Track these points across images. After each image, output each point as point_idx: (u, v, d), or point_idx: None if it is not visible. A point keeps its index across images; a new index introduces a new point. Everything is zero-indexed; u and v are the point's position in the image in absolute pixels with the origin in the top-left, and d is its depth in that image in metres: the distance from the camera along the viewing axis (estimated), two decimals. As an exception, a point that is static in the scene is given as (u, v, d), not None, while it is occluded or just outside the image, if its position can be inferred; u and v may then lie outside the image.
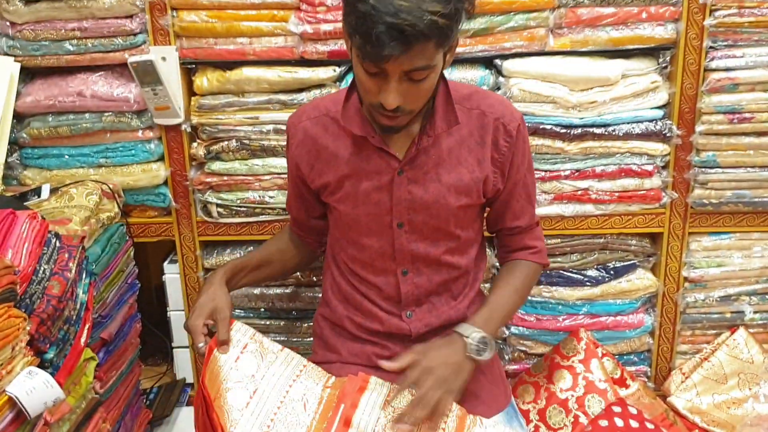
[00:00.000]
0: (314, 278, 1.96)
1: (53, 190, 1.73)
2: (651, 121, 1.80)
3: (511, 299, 1.47)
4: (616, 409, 1.66)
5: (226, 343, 1.40)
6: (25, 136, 1.84)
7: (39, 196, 1.71)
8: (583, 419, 1.70)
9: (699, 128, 1.79)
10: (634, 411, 1.66)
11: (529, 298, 1.91)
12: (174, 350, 2.07)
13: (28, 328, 1.21)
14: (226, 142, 1.83)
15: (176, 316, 2.00)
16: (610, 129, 1.79)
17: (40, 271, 1.31)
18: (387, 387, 1.43)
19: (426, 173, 1.40)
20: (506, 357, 1.98)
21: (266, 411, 1.38)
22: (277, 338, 1.99)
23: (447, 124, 1.37)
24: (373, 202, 1.41)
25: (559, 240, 1.89)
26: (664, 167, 1.86)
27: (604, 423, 1.63)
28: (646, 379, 2.00)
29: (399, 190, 1.40)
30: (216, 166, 1.86)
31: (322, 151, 1.43)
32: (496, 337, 1.43)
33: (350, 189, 1.43)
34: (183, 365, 2.09)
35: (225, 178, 1.86)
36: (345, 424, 1.38)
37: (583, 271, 1.91)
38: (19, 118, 1.83)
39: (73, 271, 1.40)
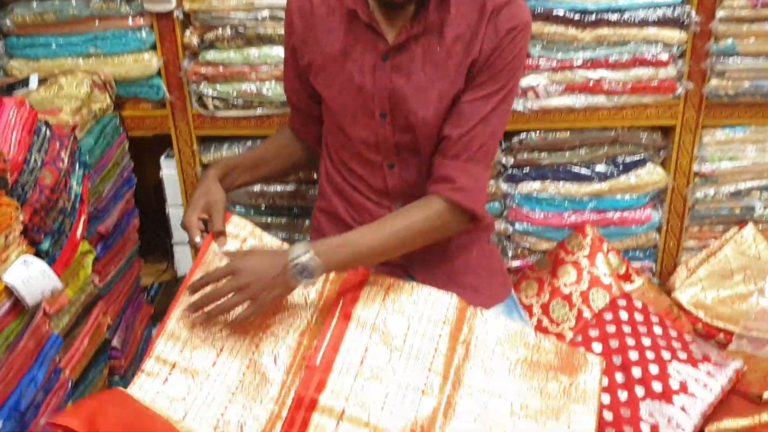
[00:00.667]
0: (315, 175, 1.92)
1: (41, 81, 1.66)
2: (669, 6, 1.70)
3: (386, 235, 1.32)
4: (621, 302, 1.65)
5: (222, 234, 1.37)
6: (9, 23, 1.74)
7: (27, 87, 1.64)
8: (586, 313, 1.70)
9: (719, 14, 1.70)
10: (638, 305, 1.65)
11: (535, 194, 1.88)
12: (174, 247, 2.04)
13: (21, 217, 1.17)
14: (220, 30, 1.74)
15: (175, 212, 1.96)
16: (625, 15, 1.70)
17: (31, 161, 1.26)
18: (388, 281, 1.41)
19: (412, 62, 1.32)
20: (509, 253, 1.96)
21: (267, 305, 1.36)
22: (278, 236, 1.96)
23: (439, 13, 1.29)
24: (355, 87, 1.35)
25: (568, 134, 1.83)
26: (680, 56, 1.78)
27: (608, 316, 1.62)
28: (651, 275, 1.99)
29: (382, 77, 1.33)
30: (210, 55, 1.77)
31: (317, 23, 1.37)
32: (345, 269, 1.36)
33: (334, 71, 1.37)
34: (183, 262, 2.06)
35: (220, 68, 1.78)
36: (344, 318, 1.36)
37: (591, 166, 1.86)
38: (1, 4, 1.74)
39: (66, 162, 1.35)
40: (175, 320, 1.35)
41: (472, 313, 1.39)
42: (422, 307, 1.37)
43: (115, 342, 1.56)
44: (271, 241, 1.42)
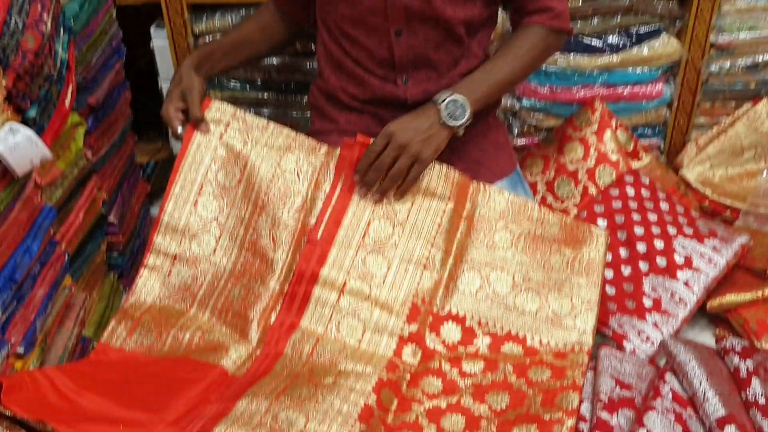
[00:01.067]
0: (313, 46, 1.83)
1: (19, -59, 1.54)
2: None
3: (509, 66, 1.34)
4: (628, 178, 1.62)
5: (202, 121, 1.33)
6: None
7: (3, -53, 1.53)
8: (592, 190, 1.66)
9: None
10: (646, 181, 1.62)
11: (543, 67, 1.80)
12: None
13: (3, 82, 1.11)
14: None
15: (167, 85, 1.88)
16: None
17: (11, 23, 1.18)
18: None
19: None
20: (515, 131, 1.90)
21: (259, 184, 1.32)
22: (275, 112, 1.90)
23: None
24: None
25: (580, 2, 1.73)
26: None
27: (614, 192, 1.59)
28: (659, 153, 1.94)
29: None
30: None
31: None
32: (483, 105, 1.33)
33: None
34: (178, 141, 2.01)
35: (210, -71, 1.67)
36: (347, 193, 1.33)
37: (603, 37, 1.77)
38: None
39: (49, 26, 1.27)
40: (169, 213, 1.34)
41: (475, 188, 1.36)
42: (425, 183, 1.33)
43: (111, 218, 1.53)
44: (255, 121, 1.37)
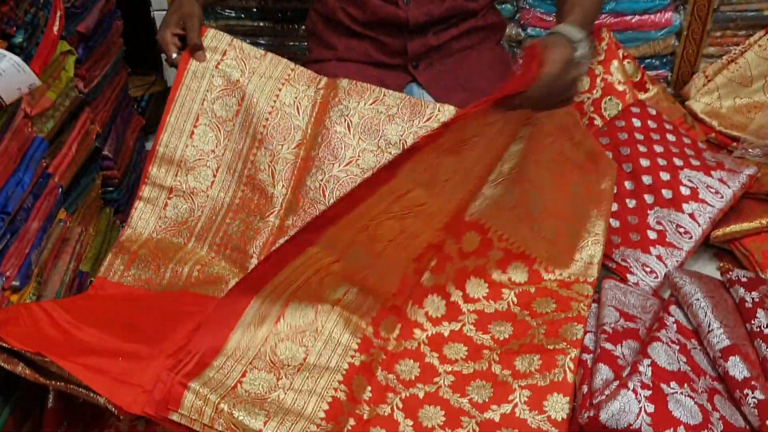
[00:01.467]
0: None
1: None
2: None
3: None
4: (635, 110, 1.58)
5: (200, 48, 1.29)
6: None
7: None
8: (598, 121, 1.63)
9: None
10: (652, 112, 1.58)
11: (549, -7, 1.75)
12: (162, 55, 1.93)
13: (-14, 6, 1.07)
14: None
15: (160, 16, 1.83)
16: None
17: (-8, -56, 1.13)
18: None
19: None
20: (519, 61, 1.85)
21: (258, 117, 1.29)
22: (271, 42, 1.85)
23: None
24: None
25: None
26: None
27: (620, 123, 1.55)
28: (667, 85, 1.90)
29: None
30: None
31: None
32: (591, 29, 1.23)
33: None
34: (172, 73, 1.95)
35: None
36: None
37: (611, -37, 1.71)
38: None
39: (32, -53, 1.21)
40: (164, 144, 1.31)
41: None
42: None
43: (106, 151, 1.50)
44: (252, 51, 1.32)
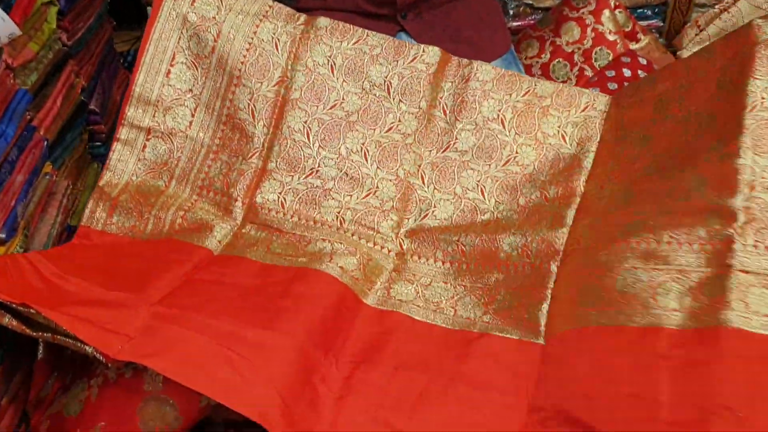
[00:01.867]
0: None
1: None
2: None
3: None
4: (625, 59, 1.57)
5: None
6: None
7: None
8: (588, 72, 1.62)
9: None
10: (643, 62, 1.57)
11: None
12: (147, 9, 1.89)
13: (-39, -47, 1.05)
14: None
15: (144, -31, 1.80)
16: None
17: None
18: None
19: None
20: (510, 12, 1.83)
21: (235, 54, 1.27)
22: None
23: None
24: None
25: None
26: None
27: (610, 73, 1.54)
28: (659, 35, 1.88)
29: None
30: None
31: None
32: None
33: None
34: (159, 27, 1.93)
35: None
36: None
37: None
38: None
39: None
40: (140, 84, 1.30)
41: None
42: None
43: (92, 105, 1.48)
44: None
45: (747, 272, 0.91)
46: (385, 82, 1.27)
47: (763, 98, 0.99)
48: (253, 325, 0.98)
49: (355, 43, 1.28)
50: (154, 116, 1.29)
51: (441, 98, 1.28)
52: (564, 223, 1.18)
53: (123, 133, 1.30)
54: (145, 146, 1.30)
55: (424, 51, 1.27)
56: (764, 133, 0.97)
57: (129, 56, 1.94)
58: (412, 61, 1.27)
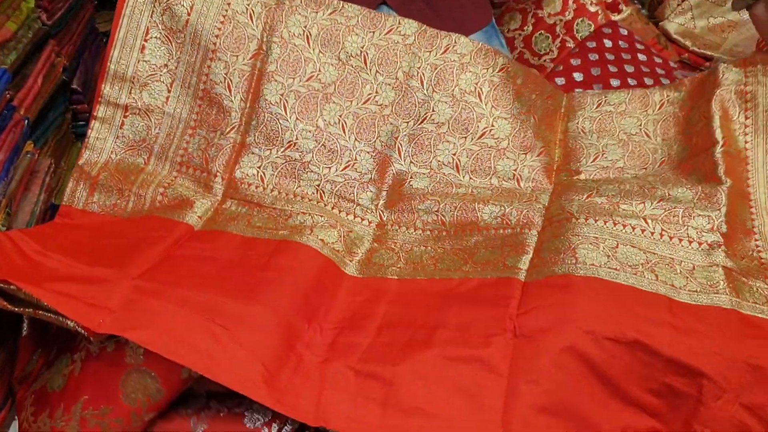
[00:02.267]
0: None
1: None
2: None
3: None
4: (606, 30, 1.57)
5: None
6: None
7: None
8: (570, 44, 1.62)
9: None
10: (624, 32, 1.57)
11: None
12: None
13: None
14: None
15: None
16: None
17: None
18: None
19: None
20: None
21: (209, 28, 1.28)
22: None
23: None
24: None
25: None
26: None
27: (591, 44, 1.55)
28: (641, 5, 1.87)
29: None
30: None
31: None
32: None
33: None
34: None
35: None
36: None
37: None
38: None
39: None
40: (115, 60, 1.29)
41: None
42: (379, 29, 1.29)
43: (74, 85, 1.49)
44: None
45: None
46: (361, 53, 1.27)
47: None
48: (234, 298, 1.00)
49: (330, 13, 1.28)
50: (130, 93, 1.29)
51: (419, 69, 1.28)
52: (539, 201, 1.23)
53: (100, 111, 1.30)
54: (123, 123, 1.30)
55: (400, 23, 1.28)
56: None
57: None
58: (388, 32, 1.27)
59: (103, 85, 1.29)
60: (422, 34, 1.28)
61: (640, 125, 1.32)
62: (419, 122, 1.29)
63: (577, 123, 1.34)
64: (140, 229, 1.16)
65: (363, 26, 1.28)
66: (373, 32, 1.27)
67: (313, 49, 1.27)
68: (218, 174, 1.26)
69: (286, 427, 0.98)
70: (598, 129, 1.33)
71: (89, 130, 1.31)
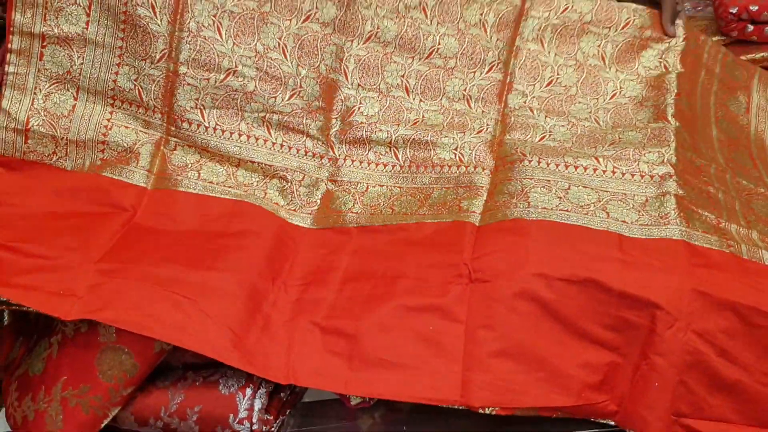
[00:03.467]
0: None
1: None
2: None
3: None
4: None
5: None
6: None
7: None
8: None
9: None
10: None
11: None
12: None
13: None
14: None
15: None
16: None
17: None
18: None
19: None
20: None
21: None
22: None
23: None
24: None
25: None
26: None
27: None
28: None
29: None
30: None
31: None
32: None
33: None
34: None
35: None
36: None
37: None
38: None
39: None
40: None
41: None
42: None
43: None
44: None
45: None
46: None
47: None
48: (197, 268, 1.03)
49: None
50: (45, 19, 1.16)
51: None
52: (489, 130, 1.25)
53: (14, 42, 1.16)
54: (42, 54, 1.18)
55: None
56: None
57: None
58: None
59: (13, 13, 1.15)
60: None
61: (599, 45, 1.31)
62: (364, 41, 1.24)
63: (534, 29, 1.29)
64: (90, 197, 1.15)
65: None
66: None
67: None
68: (156, 108, 1.20)
69: (260, 389, 1.02)
70: (557, 48, 1.31)
71: (6, 65, 1.17)
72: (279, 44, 1.20)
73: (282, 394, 1.05)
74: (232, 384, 1.02)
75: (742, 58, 1.41)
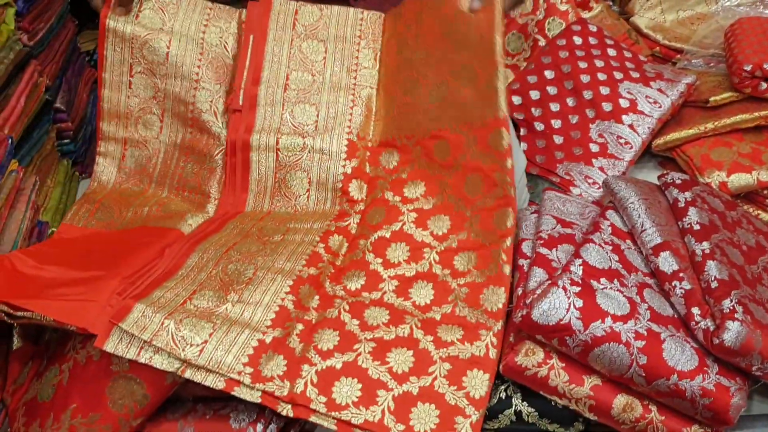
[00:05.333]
0: None
1: None
2: None
3: None
4: (575, 28, 1.60)
5: (123, 4, 1.34)
6: None
7: None
8: (542, 42, 1.65)
9: None
10: (593, 29, 1.60)
11: None
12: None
13: None
14: None
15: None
16: None
17: None
18: (293, 5, 1.36)
19: None
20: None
21: (189, 60, 1.35)
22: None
23: None
24: None
25: None
26: None
27: (561, 42, 1.57)
28: (612, 2, 1.90)
29: None
30: None
31: None
32: None
33: None
34: (124, 24, 1.96)
35: None
36: (258, 52, 1.34)
37: None
38: None
39: None
40: (107, 100, 1.39)
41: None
42: (334, 28, 1.36)
43: (58, 103, 1.51)
44: None
45: None
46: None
47: None
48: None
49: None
50: (126, 127, 1.39)
51: None
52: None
53: (102, 146, 1.42)
54: (124, 156, 1.41)
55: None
56: None
57: (95, 54, 1.96)
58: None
59: (101, 123, 1.40)
60: None
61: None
62: None
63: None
64: (133, 236, 1.22)
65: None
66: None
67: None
68: (212, 195, 1.34)
69: (271, 426, 1.01)
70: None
71: (95, 165, 1.43)
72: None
73: (292, 431, 1.04)
74: (243, 418, 1.01)
75: (756, 114, 1.42)
